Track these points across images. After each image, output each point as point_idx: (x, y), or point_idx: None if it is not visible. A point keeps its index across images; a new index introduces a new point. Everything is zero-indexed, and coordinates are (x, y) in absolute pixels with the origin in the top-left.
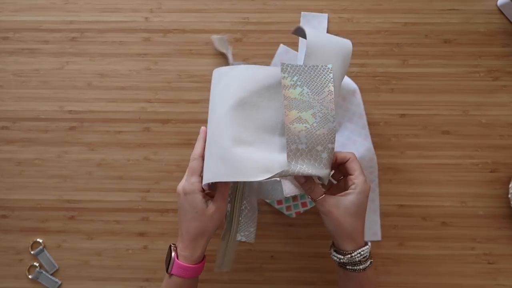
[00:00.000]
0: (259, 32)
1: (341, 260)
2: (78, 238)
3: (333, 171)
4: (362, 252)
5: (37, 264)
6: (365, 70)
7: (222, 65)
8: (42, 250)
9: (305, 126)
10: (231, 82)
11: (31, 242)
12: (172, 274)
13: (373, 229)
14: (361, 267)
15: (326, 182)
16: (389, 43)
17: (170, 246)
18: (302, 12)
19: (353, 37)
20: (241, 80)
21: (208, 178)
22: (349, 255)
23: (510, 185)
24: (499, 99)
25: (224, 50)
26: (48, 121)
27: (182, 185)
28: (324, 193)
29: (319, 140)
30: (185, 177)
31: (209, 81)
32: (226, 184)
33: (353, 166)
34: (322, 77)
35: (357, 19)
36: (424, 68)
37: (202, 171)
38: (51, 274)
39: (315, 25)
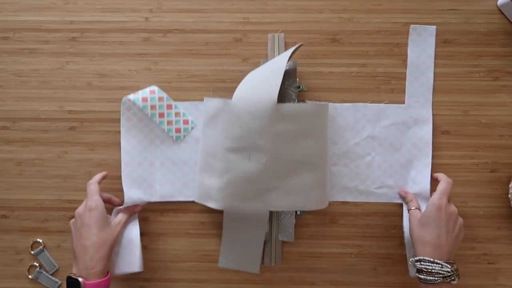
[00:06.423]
0: (259, 32)
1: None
2: None
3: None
4: (424, 264)
5: (37, 264)
6: (365, 70)
7: (221, 65)
8: (42, 250)
9: None
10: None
11: (31, 242)
12: None
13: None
14: (424, 277)
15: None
16: (389, 43)
17: (69, 277)
18: (411, 26)
19: (353, 37)
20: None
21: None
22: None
23: (510, 185)
24: (499, 99)
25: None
26: (48, 121)
27: (83, 206)
28: (416, 208)
29: None
30: (84, 201)
31: (208, 81)
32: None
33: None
34: None
35: (357, 19)
36: None
37: (99, 192)
38: (51, 274)
39: (425, 37)
